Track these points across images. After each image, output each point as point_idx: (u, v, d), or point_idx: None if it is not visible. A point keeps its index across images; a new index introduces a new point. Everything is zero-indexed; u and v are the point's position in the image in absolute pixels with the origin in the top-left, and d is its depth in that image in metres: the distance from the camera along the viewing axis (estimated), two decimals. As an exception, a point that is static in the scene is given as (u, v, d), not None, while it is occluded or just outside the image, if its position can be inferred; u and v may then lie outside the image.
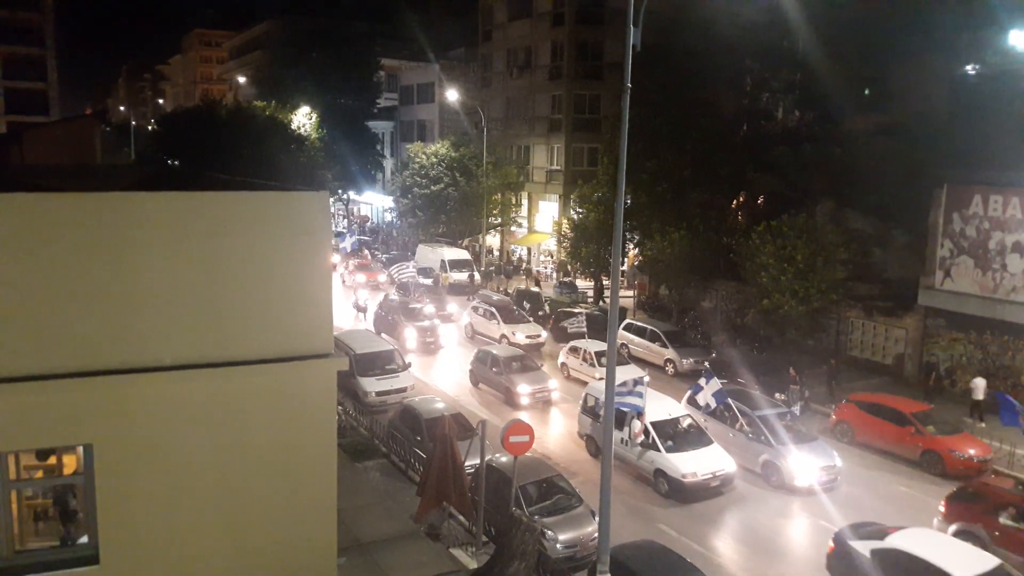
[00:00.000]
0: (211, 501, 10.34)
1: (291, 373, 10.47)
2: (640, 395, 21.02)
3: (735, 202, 41.62)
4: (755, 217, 37.13)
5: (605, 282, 44.01)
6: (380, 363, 28.62)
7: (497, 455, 19.59)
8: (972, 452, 23.21)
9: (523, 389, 28.46)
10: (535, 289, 46.15)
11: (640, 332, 35.09)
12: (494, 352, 30.26)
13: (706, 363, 29.06)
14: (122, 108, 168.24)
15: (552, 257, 56.29)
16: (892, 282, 33.91)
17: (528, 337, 36.23)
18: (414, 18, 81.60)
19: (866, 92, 36.44)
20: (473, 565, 16.79)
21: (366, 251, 60.67)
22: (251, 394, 10.39)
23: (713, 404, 23.61)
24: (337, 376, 10.94)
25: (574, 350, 32.54)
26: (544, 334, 37.18)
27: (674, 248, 37.29)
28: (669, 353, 33.18)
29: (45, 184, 12.06)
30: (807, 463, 21.91)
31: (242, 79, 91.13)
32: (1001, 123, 27.85)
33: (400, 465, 22.37)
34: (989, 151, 28.38)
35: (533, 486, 18.84)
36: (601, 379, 27.55)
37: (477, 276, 51.08)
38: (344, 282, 51.74)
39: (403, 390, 27.72)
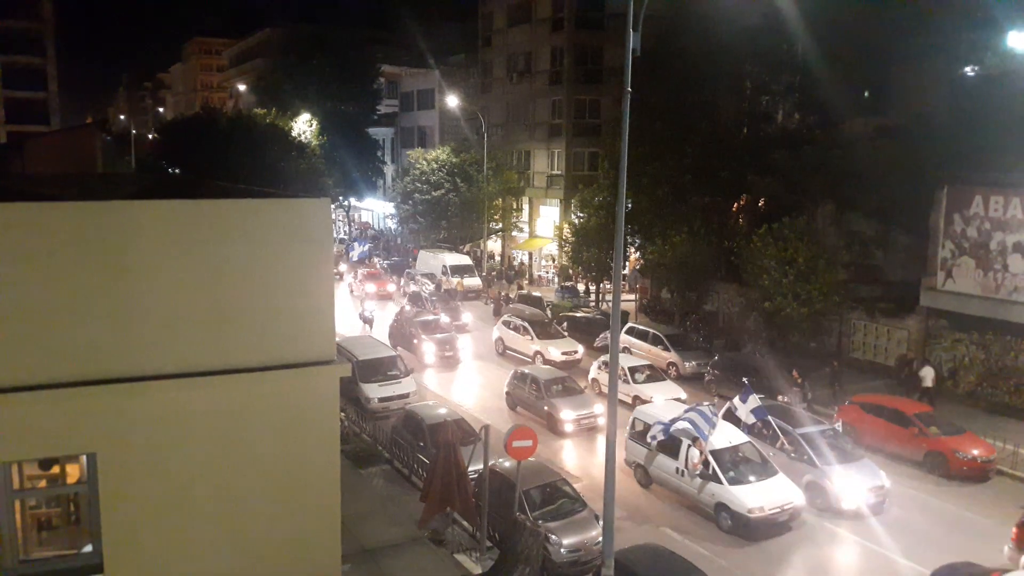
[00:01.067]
0: (215, 508, 10.34)
1: (294, 380, 10.48)
2: (708, 422, 19.73)
3: (736, 205, 41.63)
4: (756, 220, 37.14)
5: (606, 286, 44.03)
6: (382, 369, 28.63)
7: (500, 460, 19.58)
8: (976, 452, 23.18)
9: (567, 415, 26.30)
10: (537, 294, 46.14)
11: (642, 335, 35.09)
12: (533, 373, 28.19)
13: (744, 379, 26.67)
14: (122, 117, 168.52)
15: (553, 262, 56.30)
16: (894, 283, 33.90)
17: (564, 354, 34.20)
18: (414, 24, 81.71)
19: (866, 94, 36.48)
20: (477, 570, 16.78)
21: (375, 260, 59.59)
22: (254, 401, 10.40)
23: (752, 421, 22.12)
24: (340, 383, 10.95)
25: (607, 364, 31.06)
26: (580, 350, 34.93)
27: (675, 251, 37.30)
28: (671, 356, 33.16)
29: (47, 193, 12.09)
30: (854, 484, 20.49)
31: (242, 87, 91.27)
32: (1001, 124, 27.84)
33: (403, 471, 22.36)
34: (990, 152, 28.38)
35: (537, 490, 18.82)
36: (649, 401, 26.82)
37: (478, 281, 51.10)
38: (352, 291, 50.59)
39: (406, 396, 27.73)
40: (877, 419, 25.10)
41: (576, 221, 45.14)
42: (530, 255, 59.92)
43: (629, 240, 41.40)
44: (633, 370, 29.31)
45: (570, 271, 48.15)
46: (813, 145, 35.61)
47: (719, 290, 39.60)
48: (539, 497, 18.71)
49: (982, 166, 28.78)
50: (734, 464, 20.55)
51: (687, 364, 32.75)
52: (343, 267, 56.78)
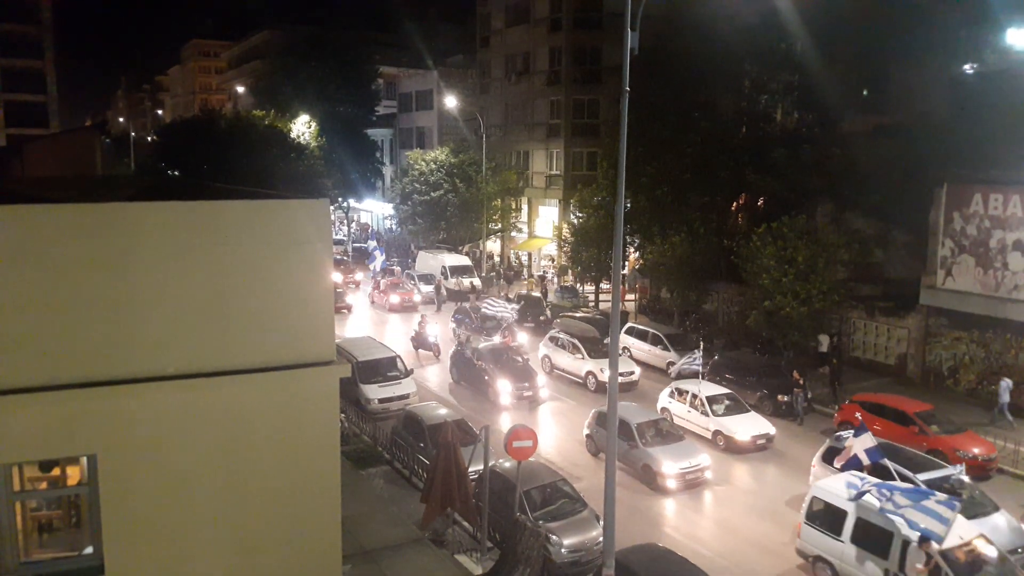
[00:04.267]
0: (215, 509, 10.34)
1: (293, 381, 10.48)
2: (943, 518, 14.75)
3: (735, 204, 41.64)
4: (755, 219, 37.14)
5: (605, 286, 44.00)
6: (382, 370, 28.62)
7: (501, 460, 19.58)
8: (976, 451, 23.19)
9: (669, 468, 21.77)
10: (536, 294, 46.13)
11: (642, 336, 35.09)
12: (622, 415, 22.36)
13: (857, 414, 23.97)
14: (121, 119, 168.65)
15: (553, 262, 56.29)
16: (893, 282, 33.92)
17: (619, 375, 31.96)
18: (412, 26, 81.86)
19: (864, 93, 36.49)
20: (478, 571, 16.78)
21: (396, 268, 55.26)
22: (254, 402, 10.40)
23: (865, 462, 18.38)
24: (340, 383, 10.95)
25: (679, 393, 26.74)
26: (637, 371, 31.79)
27: (675, 251, 37.30)
28: (671, 356, 33.14)
29: (46, 196, 12.09)
30: (996, 543, 16.08)
31: (241, 89, 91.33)
32: (1000, 121, 27.88)
33: (404, 472, 22.37)
34: (989, 150, 28.42)
35: (537, 491, 18.82)
36: (734, 438, 24.38)
37: (478, 282, 51.09)
38: (373, 301, 48.11)
39: (406, 397, 27.72)
40: (878, 418, 25.09)
41: (575, 221, 45.15)
42: (529, 255, 59.93)
43: (628, 240, 41.39)
44: (711, 400, 25.75)
45: (569, 271, 48.03)
46: (812, 144, 35.64)
47: (718, 290, 39.61)
48: (539, 497, 18.71)
49: (981, 164, 28.80)
50: (970, 571, 14.95)
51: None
52: (360, 275, 54.33)
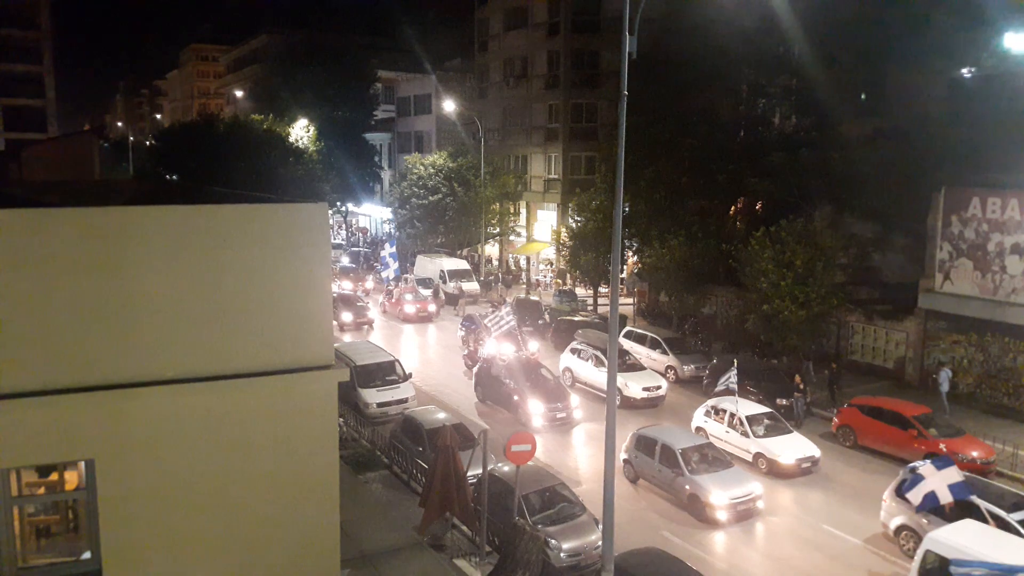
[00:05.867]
0: (213, 514, 10.30)
1: (292, 385, 10.45)
2: None
3: (733, 208, 41.68)
4: (754, 223, 37.17)
5: (604, 290, 43.99)
6: (381, 374, 28.58)
7: (499, 465, 19.55)
8: (975, 454, 23.17)
9: (718, 499, 19.97)
10: (534, 298, 46.10)
11: (640, 339, 35.06)
12: (663, 439, 21.80)
13: (942, 445, 22.58)
14: (120, 124, 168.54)
15: (551, 266, 56.30)
16: (892, 285, 33.96)
17: (646, 390, 29.26)
18: (411, 30, 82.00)
19: (863, 96, 36.54)
20: (477, 575, 16.75)
21: (408, 276, 52.08)
22: (252, 406, 10.37)
23: (947, 500, 16.55)
24: (338, 387, 10.94)
25: (717, 412, 25.33)
26: (664, 385, 30.05)
27: (673, 255, 37.31)
28: (670, 360, 33.13)
29: (44, 200, 12.07)
30: None
31: (239, 93, 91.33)
32: (998, 125, 27.91)
33: (402, 476, 22.34)
34: (987, 153, 28.45)
35: (536, 495, 18.79)
36: (778, 461, 22.72)
37: (476, 286, 51.06)
38: (385, 310, 46.24)
39: (404, 401, 27.69)
40: (876, 422, 25.13)
41: (573, 225, 45.17)
42: (528, 259, 59.96)
43: (627, 244, 41.41)
44: (751, 420, 24.22)
45: (568, 275, 48.01)
46: (810, 148, 35.70)
47: (717, 293, 39.63)
48: (538, 502, 18.68)
49: (979, 168, 28.84)
50: None
51: (685, 368, 32.72)
52: (370, 283, 52.64)
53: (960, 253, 29.58)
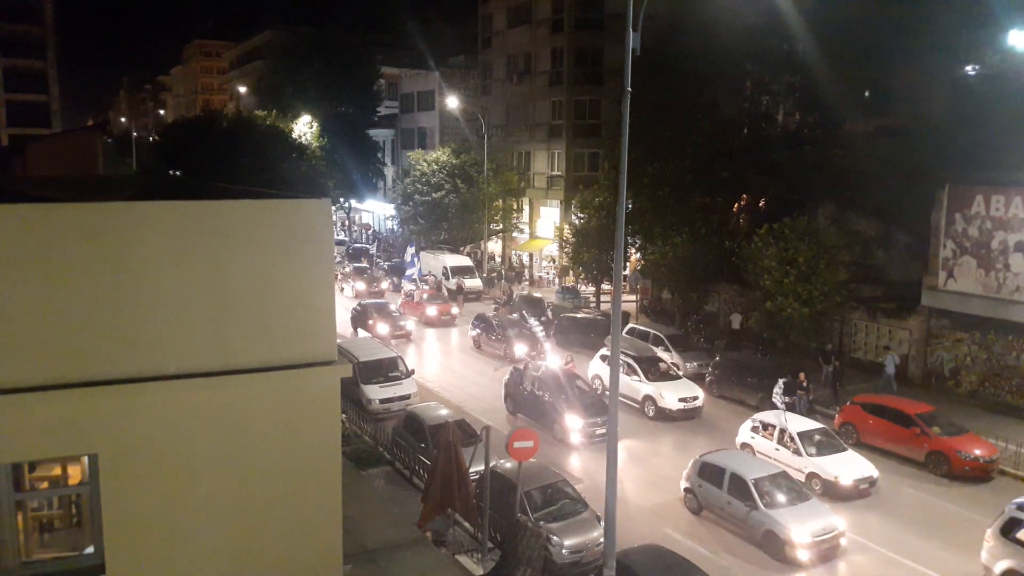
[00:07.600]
0: (216, 509, 10.33)
1: (295, 381, 10.46)
2: None
3: (737, 205, 41.62)
4: (757, 220, 37.14)
5: (606, 287, 43.99)
6: (383, 370, 28.63)
7: (501, 461, 19.57)
8: (978, 452, 23.16)
9: (800, 536, 17.90)
10: (537, 295, 46.10)
11: (643, 336, 35.03)
12: (732, 467, 19.71)
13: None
14: (123, 119, 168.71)
15: (554, 263, 56.29)
16: (895, 283, 33.90)
17: (682, 401, 27.66)
18: (414, 26, 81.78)
19: (866, 94, 36.47)
20: (479, 571, 16.77)
21: (432, 277, 51.15)
22: (255, 402, 10.39)
23: None
24: (341, 383, 10.95)
25: (765, 427, 23.49)
26: (701, 396, 28.20)
27: (676, 252, 37.29)
28: (673, 357, 33.12)
29: (49, 195, 12.09)
30: None
31: (243, 89, 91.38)
32: (1002, 123, 27.83)
33: (404, 472, 22.37)
34: (990, 151, 28.38)
35: (538, 492, 18.81)
36: (835, 482, 20.98)
37: (479, 282, 51.06)
38: (402, 313, 42.79)
39: (407, 397, 27.73)
40: (879, 419, 25.11)
41: (576, 222, 45.15)
42: (531, 256, 59.95)
43: (630, 241, 41.39)
44: (803, 436, 22.34)
45: (571, 272, 48.02)
46: (814, 145, 35.63)
47: (720, 291, 39.60)
48: (540, 498, 18.70)
49: (983, 165, 28.77)
50: None
51: (688, 365, 32.71)
52: (385, 285, 51.29)
53: (964, 251, 29.53)
